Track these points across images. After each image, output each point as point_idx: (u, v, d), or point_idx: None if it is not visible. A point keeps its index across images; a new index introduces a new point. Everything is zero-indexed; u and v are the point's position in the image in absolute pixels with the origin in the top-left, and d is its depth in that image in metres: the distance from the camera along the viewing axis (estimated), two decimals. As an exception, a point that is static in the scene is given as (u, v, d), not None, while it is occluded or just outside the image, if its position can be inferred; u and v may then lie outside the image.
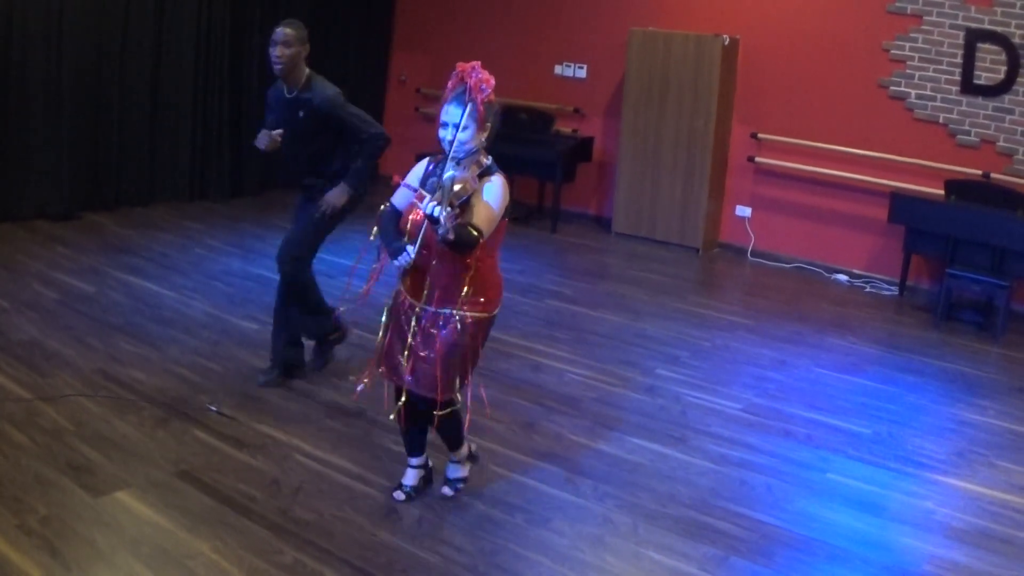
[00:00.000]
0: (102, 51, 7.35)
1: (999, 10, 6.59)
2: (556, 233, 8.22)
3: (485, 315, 3.28)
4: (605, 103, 8.53)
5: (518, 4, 8.90)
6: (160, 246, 6.75)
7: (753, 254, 7.89)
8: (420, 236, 3.12)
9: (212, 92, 8.22)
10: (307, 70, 4.28)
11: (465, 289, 3.19)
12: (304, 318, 4.51)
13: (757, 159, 7.79)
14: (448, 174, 2.98)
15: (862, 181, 7.26)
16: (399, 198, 3.30)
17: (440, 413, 3.30)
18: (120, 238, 6.88)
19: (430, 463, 3.64)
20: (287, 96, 4.28)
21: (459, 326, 3.22)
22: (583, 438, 4.18)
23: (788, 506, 3.69)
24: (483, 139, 3.18)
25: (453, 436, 3.52)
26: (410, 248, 3.14)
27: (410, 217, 3.20)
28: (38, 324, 4.98)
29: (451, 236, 2.88)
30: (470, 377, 3.37)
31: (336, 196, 4.28)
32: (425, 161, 3.32)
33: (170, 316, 5.31)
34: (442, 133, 3.15)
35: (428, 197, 2.92)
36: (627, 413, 4.49)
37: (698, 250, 7.90)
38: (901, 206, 6.75)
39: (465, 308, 3.22)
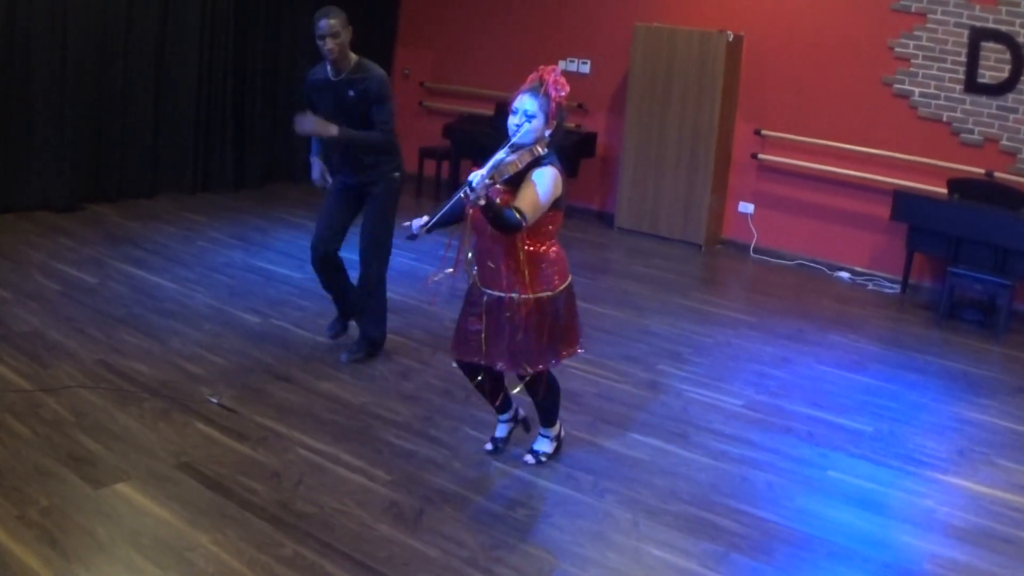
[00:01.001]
0: (106, 42, 7.34)
1: (1004, 9, 6.57)
2: (558, 228, 8.22)
3: (548, 294, 3.47)
4: (609, 99, 8.52)
5: (522, -1, 8.90)
6: (162, 238, 6.75)
7: (756, 251, 7.88)
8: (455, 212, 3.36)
9: (215, 84, 8.21)
10: (353, 54, 4.41)
11: (522, 272, 3.42)
12: (372, 313, 4.73)
13: (760, 156, 7.77)
14: (499, 155, 3.23)
15: (865, 179, 7.25)
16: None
17: (529, 375, 3.56)
18: (123, 230, 6.88)
19: (520, 412, 3.95)
20: (333, 79, 4.41)
21: (524, 306, 3.43)
22: (584, 433, 4.17)
23: (789, 503, 3.69)
24: (545, 133, 3.36)
25: (547, 407, 3.78)
26: (423, 219, 3.40)
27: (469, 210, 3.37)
28: (40, 315, 4.98)
29: (481, 202, 3.14)
30: (563, 352, 3.59)
31: (321, 124, 4.30)
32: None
33: (172, 308, 5.31)
34: (510, 119, 3.37)
35: (478, 171, 3.16)
36: (628, 409, 4.49)
37: (701, 246, 7.90)
38: (904, 204, 6.74)
39: (526, 291, 3.44)
